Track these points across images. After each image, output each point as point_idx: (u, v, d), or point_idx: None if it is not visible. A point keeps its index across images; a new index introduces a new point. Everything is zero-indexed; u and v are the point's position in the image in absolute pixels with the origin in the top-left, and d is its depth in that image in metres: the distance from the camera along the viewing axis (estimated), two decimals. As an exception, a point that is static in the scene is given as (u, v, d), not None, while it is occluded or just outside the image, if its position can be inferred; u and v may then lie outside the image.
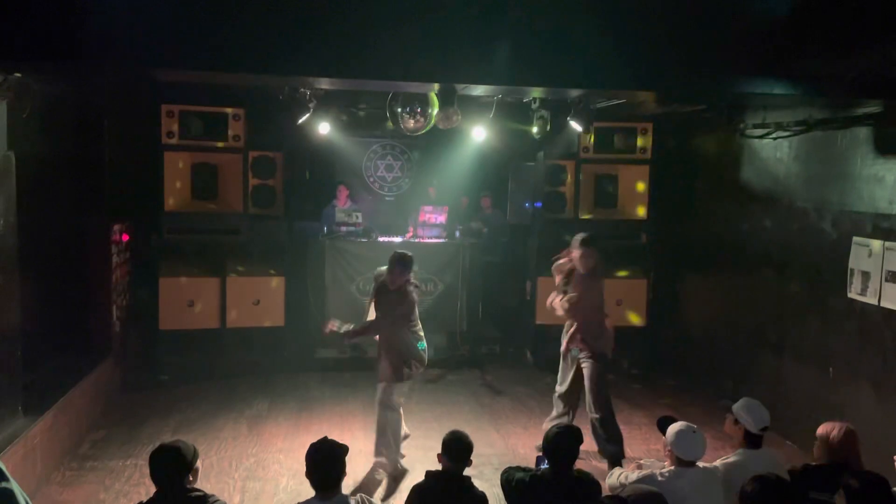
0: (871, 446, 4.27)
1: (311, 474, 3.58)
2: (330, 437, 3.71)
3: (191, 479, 3.53)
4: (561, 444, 3.89)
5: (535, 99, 7.77)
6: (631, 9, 5.35)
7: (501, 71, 5.31)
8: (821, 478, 3.82)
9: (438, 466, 3.99)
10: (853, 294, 6.23)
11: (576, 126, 7.70)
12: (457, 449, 3.94)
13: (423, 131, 7.60)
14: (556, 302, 6.51)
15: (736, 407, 4.24)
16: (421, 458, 6.10)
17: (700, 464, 3.97)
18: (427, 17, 5.09)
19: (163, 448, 3.60)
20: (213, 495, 3.52)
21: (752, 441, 4.18)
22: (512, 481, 3.88)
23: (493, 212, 10.51)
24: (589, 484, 3.85)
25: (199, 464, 3.60)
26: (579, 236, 6.48)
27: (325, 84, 6.72)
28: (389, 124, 7.81)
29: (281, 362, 8.72)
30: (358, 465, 5.98)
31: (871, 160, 6.17)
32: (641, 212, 9.31)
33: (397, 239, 9.26)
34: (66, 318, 7.00)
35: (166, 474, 3.50)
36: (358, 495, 3.72)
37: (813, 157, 6.98)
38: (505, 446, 6.77)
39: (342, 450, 3.64)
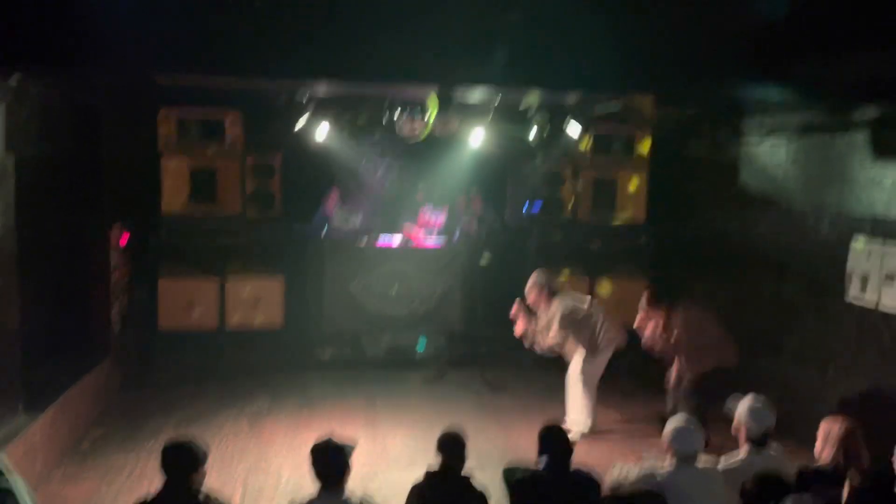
0: (870, 447, 4.27)
1: (314, 471, 3.60)
2: (334, 435, 3.71)
3: (197, 477, 3.54)
4: (550, 442, 3.93)
5: (532, 103, 7.79)
6: (629, 12, 5.37)
7: (498, 73, 5.33)
8: (828, 479, 3.80)
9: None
10: (852, 297, 6.24)
11: (574, 130, 7.71)
12: (450, 446, 3.95)
13: (422, 137, 7.61)
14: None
15: (739, 408, 4.25)
16: (422, 456, 6.09)
17: (702, 462, 3.98)
18: (424, 18, 5.11)
19: (175, 442, 3.63)
20: (216, 498, 3.54)
21: (755, 441, 4.19)
22: (513, 480, 3.90)
23: (485, 213, 10.34)
24: (589, 481, 3.87)
25: (208, 463, 3.61)
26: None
27: (322, 87, 6.74)
28: (387, 129, 7.81)
29: (280, 364, 8.70)
30: (359, 464, 5.97)
31: (869, 164, 6.19)
32: (640, 215, 9.32)
33: (395, 239, 9.26)
34: (66, 319, 6.99)
35: (175, 468, 3.52)
36: (360, 494, 3.70)
37: (811, 161, 7.00)
38: (506, 442, 6.78)
39: (347, 448, 3.64)
